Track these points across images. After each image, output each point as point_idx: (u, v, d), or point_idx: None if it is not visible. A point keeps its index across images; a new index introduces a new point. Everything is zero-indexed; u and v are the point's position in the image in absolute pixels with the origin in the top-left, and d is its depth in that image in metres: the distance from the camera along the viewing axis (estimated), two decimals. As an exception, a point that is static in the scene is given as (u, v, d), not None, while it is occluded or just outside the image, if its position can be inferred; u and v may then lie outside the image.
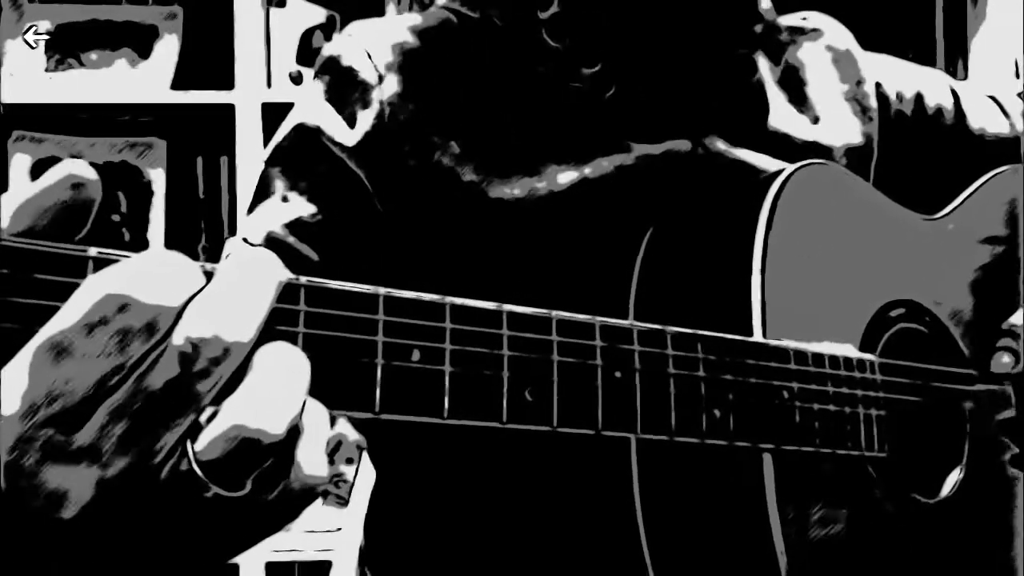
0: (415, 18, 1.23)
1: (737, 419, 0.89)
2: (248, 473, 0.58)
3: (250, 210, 1.17)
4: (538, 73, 1.18)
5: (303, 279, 0.61)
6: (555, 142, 1.14)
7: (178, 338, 0.55)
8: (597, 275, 1.08)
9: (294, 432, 0.59)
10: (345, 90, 1.17)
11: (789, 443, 0.94)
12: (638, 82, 1.18)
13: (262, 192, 1.16)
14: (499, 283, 0.93)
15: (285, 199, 1.13)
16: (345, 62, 1.18)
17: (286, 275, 0.60)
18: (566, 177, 1.12)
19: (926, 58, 2.63)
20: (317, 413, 0.61)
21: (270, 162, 1.17)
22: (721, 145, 1.18)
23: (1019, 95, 1.49)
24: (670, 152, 1.16)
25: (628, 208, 1.11)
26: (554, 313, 0.76)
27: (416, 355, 0.66)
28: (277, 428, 0.57)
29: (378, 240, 1.13)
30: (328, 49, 1.22)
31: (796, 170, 1.06)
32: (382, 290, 0.65)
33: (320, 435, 0.60)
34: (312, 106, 1.18)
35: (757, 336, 0.95)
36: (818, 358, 0.98)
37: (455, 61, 1.19)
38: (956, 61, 2.68)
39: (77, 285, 0.52)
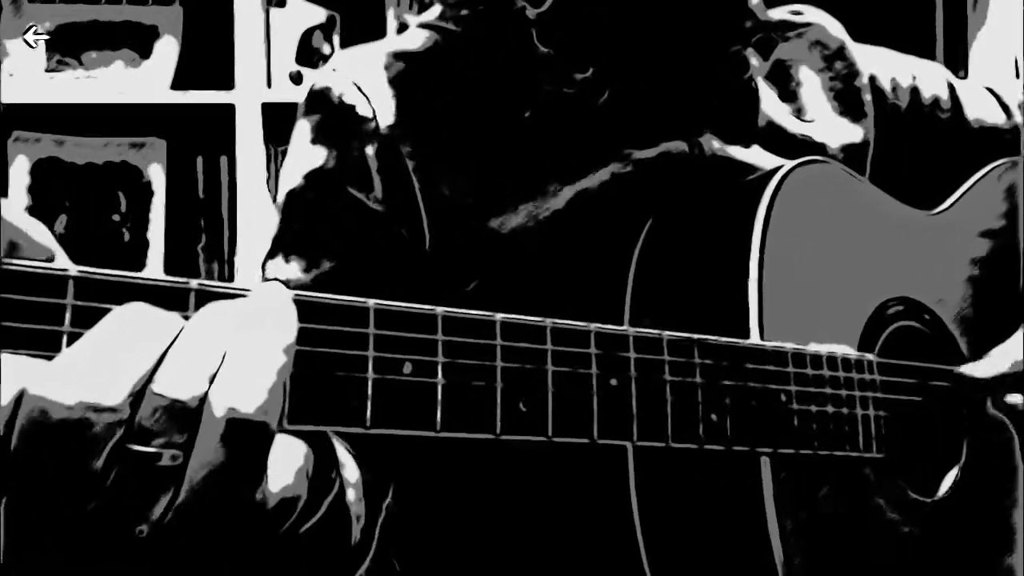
0: (400, 43, 1.21)
1: (735, 423, 0.88)
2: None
3: (271, 255, 1.15)
4: (531, 85, 1.16)
5: (291, 293, 0.61)
6: (554, 159, 1.13)
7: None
8: (596, 287, 1.07)
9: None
10: (344, 127, 1.14)
11: (787, 446, 0.93)
12: (631, 85, 1.16)
13: (285, 242, 1.14)
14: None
15: (313, 255, 1.11)
16: (336, 97, 1.16)
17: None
18: (567, 194, 1.11)
19: (926, 58, 2.62)
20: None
21: (289, 211, 1.15)
22: (716, 144, 1.17)
23: (1020, 106, 1.48)
24: (666, 154, 1.15)
25: (625, 214, 1.10)
26: (548, 321, 0.75)
27: (408, 368, 0.66)
28: (199, 384, 0.59)
29: (417, 279, 1.11)
30: (314, 84, 1.19)
31: (792, 168, 1.06)
32: (371, 302, 0.64)
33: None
34: (316, 148, 1.15)
35: (754, 338, 0.95)
36: (816, 359, 0.98)
37: (445, 87, 1.16)
38: (956, 61, 2.68)
39: (59, 306, 0.52)
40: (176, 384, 0.58)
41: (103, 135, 2.60)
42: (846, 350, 1.02)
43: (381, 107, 1.14)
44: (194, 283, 0.57)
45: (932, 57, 2.65)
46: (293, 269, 1.11)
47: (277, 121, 2.48)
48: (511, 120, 1.15)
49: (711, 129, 1.17)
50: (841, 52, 1.34)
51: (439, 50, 1.19)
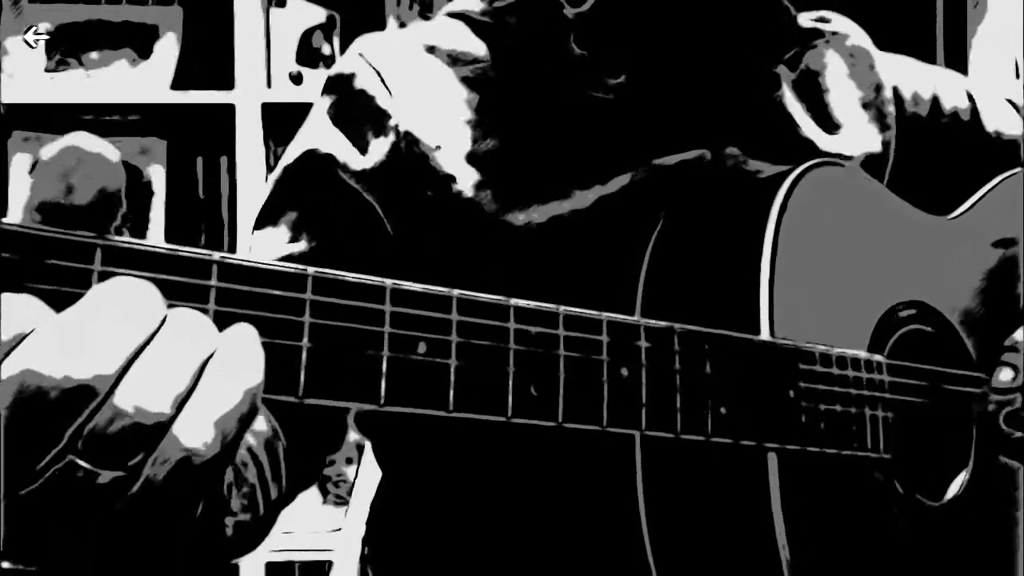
0: (425, 32, 1.19)
1: (743, 418, 0.88)
2: (135, 450, 0.54)
3: (257, 226, 1.14)
4: (561, 85, 1.15)
5: (311, 269, 0.60)
6: (576, 162, 1.12)
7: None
8: (610, 284, 1.06)
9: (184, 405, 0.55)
10: (358, 115, 1.14)
11: (794, 443, 0.93)
12: (662, 96, 1.16)
13: (270, 215, 1.14)
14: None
15: (294, 231, 1.11)
16: (358, 84, 1.15)
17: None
18: (587, 198, 1.11)
19: (926, 58, 2.63)
20: (231, 378, 0.56)
21: (280, 186, 1.15)
22: (742, 157, 1.17)
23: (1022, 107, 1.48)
24: (688, 163, 1.14)
25: (642, 218, 1.09)
26: (561, 308, 0.75)
27: (422, 347, 0.65)
28: (165, 406, 0.54)
29: (392, 271, 1.08)
30: (338, 67, 1.18)
31: (807, 169, 1.05)
32: (388, 281, 0.64)
33: (221, 406, 0.56)
34: (323, 130, 1.15)
35: (764, 335, 0.95)
36: (825, 358, 0.97)
37: (473, 80, 1.16)
38: (956, 61, 2.68)
39: (86, 271, 0.52)
40: (142, 401, 0.54)
41: (103, 135, 2.60)
42: (856, 351, 1.02)
43: (403, 101, 1.13)
44: (216, 255, 0.56)
45: (932, 57, 2.66)
46: (275, 241, 1.11)
47: (277, 121, 2.48)
48: (536, 120, 1.14)
49: (740, 147, 1.17)
50: (868, 62, 1.34)
51: (471, 44, 1.18)
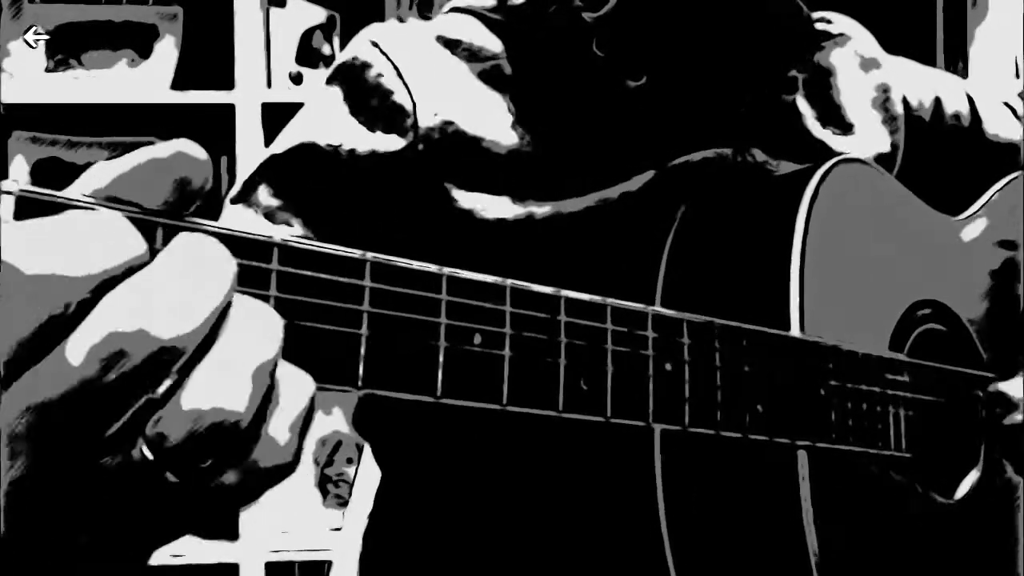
0: (439, 26, 1.16)
1: (778, 415, 0.87)
2: (209, 456, 0.49)
3: (233, 201, 1.10)
4: (580, 86, 1.13)
5: (369, 255, 0.58)
6: (600, 161, 1.10)
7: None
8: (626, 278, 1.05)
9: (262, 407, 0.51)
10: (372, 107, 1.09)
11: (825, 441, 0.93)
12: (683, 98, 1.15)
13: (246, 193, 1.10)
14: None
15: (269, 216, 1.07)
16: (372, 75, 1.11)
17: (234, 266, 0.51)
18: (609, 195, 1.09)
19: (926, 58, 2.64)
20: (294, 383, 0.52)
21: (273, 166, 1.10)
22: (762, 157, 1.16)
23: (1020, 95, 1.49)
24: (709, 159, 1.13)
25: (663, 211, 1.08)
26: (609, 300, 0.73)
27: (478, 339, 0.64)
28: (242, 406, 0.49)
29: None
30: (349, 54, 1.14)
31: (833, 165, 1.05)
32: (446, 270, 0.62)
33: (293, 409, 0.52)
34: (329, 118, 1.11)
35: (795, 331, 0.94)
36: (852, 356, 0.97)
37: (491, 76, 1.13)
38: (956, 61, 2.68)
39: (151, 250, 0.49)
40: (218, 401, 0.49)
41: (103, 135, 2.59)
42: (880, 350, 1.02)
43: (422, 98, 1.09)
44: (277, 238, 0.54)
45: (932, 57, 2.66)
46: (258, 217, 1.07)
47: (277, 121, 2.46)
48: (561, 118, 1.12)
49: (761, 147, 1.16)
50: (875, 64, 1.34)
51: (485, 39, 1.16)
